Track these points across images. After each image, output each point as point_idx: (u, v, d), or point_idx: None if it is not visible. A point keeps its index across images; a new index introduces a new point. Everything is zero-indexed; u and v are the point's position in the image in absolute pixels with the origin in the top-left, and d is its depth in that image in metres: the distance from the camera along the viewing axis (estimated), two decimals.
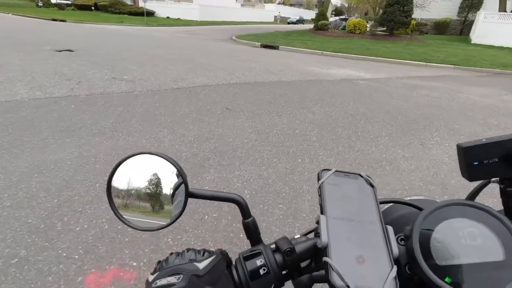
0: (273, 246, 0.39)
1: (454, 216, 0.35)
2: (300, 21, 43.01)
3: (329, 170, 0.41)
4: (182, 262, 0.35)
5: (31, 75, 5.19)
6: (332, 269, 0.31)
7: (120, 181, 0.38)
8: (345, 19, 23.03)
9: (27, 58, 6.41)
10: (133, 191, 0.38)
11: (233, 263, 0.38)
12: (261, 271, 0.35)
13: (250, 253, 0.37)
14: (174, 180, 0.39)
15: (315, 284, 0.45)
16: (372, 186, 0.40)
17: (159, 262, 0.36)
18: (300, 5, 69.47)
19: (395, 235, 0.37)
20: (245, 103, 4.59)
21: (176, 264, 0.35)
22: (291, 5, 64.12)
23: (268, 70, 7.20)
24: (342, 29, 20.34)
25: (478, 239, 0.33)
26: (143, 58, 7.57)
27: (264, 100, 4.81)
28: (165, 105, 4.24)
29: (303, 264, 0.39)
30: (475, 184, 0.48)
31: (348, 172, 0.41)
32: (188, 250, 0.37)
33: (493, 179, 0.42)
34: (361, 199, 0.38)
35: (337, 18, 29.77)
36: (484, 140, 0.39)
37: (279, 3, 56.78)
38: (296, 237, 0.41)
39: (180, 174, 0.38)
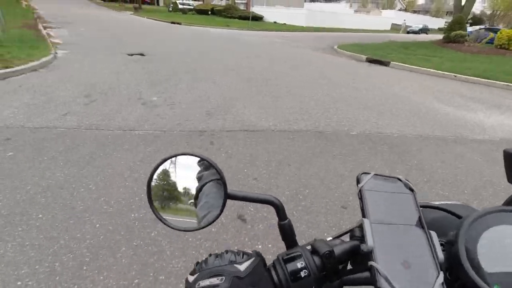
0: (309, 248, 0.38)
1: (499, 223, 0.35)
2: (424, 30, 36.80)
3: (368, 173, 0.40)
4: (222, 263, 0.35)
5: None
6: (380, 273, 0.31)
7: (159, 182, 0.39)
8: (493, 30, 17.73)
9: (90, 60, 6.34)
10: (173, 191, 0.39)
11: (270, 265, 0.38)
12: (302, 273, 0.35)
13: (290, 255, 0.37)
14: (209, 176, 0.39)
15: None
16: (411, 190, 0.40)
17: (197, 263, 0.36)
18: (426, 11, 60.19)
19: None
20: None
21: (216, 265, 0.35)
22: (414, 11, 56.03)
23: (363, 105, 4.75)
24: (488, 42, 15.54)
25: None
26: (216, 68, 6.65)
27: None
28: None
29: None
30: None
31: (387, 176, 0.41)
32: (227, 251, 0.37)
33: None
34: (401, 203, 0.39)
35: (477, 27, 23.56)
36: None
37: (400, 9, 50.24)
38: (328, 239, 0.41)
39: (220, 175, 0.38)
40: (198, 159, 0.39)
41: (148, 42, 9.98)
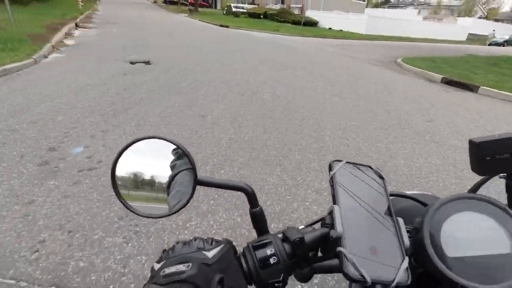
0: (281, 235, 0.38)
1: (462, 209, 0.36)
2: (510, 42, 31.24)
3: (340, 161, 0.41)
4: (190, 250, 0.35)
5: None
6: (347, 259, 0.32)
7: (125, 166, 0.37)
8: None
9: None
10: (138, 176, 0.37)
11: (240, 252, 0.38)
12: (272, 260, 0.35)
13: (260, 243, 0.37)
14: (182, 166, 0.38)
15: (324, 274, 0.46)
16: (382, 178, 0.41)
17: (164, 250, 0.36)
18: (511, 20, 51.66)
19: None
20: None
21: (183, 252, 0.34)
22: (496, 20, 48.36)
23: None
24: None
25: (485, 232, 0.34)
26: (224, 92, 5.22)
27: None
28: None
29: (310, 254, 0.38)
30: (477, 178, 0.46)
31: (359, 164, 0.41)
32: (195, 239, 0.36)
33: (500, 174, 0.43)
34: (372, 190, 0.39)
35: None
36: (497, 135, 0.39)
37: (480, 17, 43.66)
38: (300, 227, 0.40)
39: (189, 160, 0.37)
40: (170, 144, 0.37)
41: (173, 45, 9.04)
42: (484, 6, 54.25)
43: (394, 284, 0.31)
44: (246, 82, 5.45)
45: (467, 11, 48.32)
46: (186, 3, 47.14)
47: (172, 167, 0.38)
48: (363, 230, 0.35)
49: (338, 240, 0.34)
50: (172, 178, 0.37)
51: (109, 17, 15.30)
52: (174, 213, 0.37)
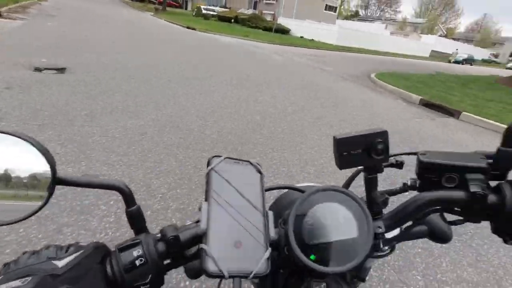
0: (159, 235, 0.37)
1: (324, 200, 0.39)
2: (469, 61, 33.05)
3: (220, 156, 0.41)
4: (37, 261, 0.31)
5: None
6: (207, 255, 0.32)
7: None
8: None
9: None
10: None
11: (107, 257, 0.35)
12: (138, 262, 0.34)
13: (127, 244, 0.35)
14: (39, 164, 0.33)
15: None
16: (260, 173, 0.42)
17: (5, 264, 0.31)
18: (467, 40, 55.68)
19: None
20: None
21: (29, 264, 0.30)
22: (454, 39, 51.76)
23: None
24: None
25: (340, 220, 0.38)
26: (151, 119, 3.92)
27: None
28: None
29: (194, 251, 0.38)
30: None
31: (238, 159, 0.42)
32: (47, 247, 0.33)
33: (360, 167, 0.46)
34: (247, 185, 0.40)
35: None
36: (353, 133, 0.42)
37: (440, 35, 46.32)
38: (188, 223, 0.40)
39: (46, 157, 0.32)
40: (20, 139, 0.32)
41: (117, 46, 7.55)
42: (443, 25, 57.97)
43: (251, 275, 0.33)
44: (190, 109, 3.99)
45: (429, 29, 51.15)
46: (155, 1, 44.89)
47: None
48: (230, 226, 0.35)
49: (203, 237, 0.34)
50: (40, 174, 0.33)
51: (54, 9, 13.22)
52: (24, 219, 0.33)
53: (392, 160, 0.49)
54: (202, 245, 0.33)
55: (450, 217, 0.45)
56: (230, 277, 0.32)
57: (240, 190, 0.39)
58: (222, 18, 28.21)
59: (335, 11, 38.54)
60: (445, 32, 54.08)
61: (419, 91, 7.70)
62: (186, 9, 47.90)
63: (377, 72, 10.39)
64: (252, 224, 0.36)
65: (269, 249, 0.35)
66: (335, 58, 14.75)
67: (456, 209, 0.41)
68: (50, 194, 0.33)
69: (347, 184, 0.57)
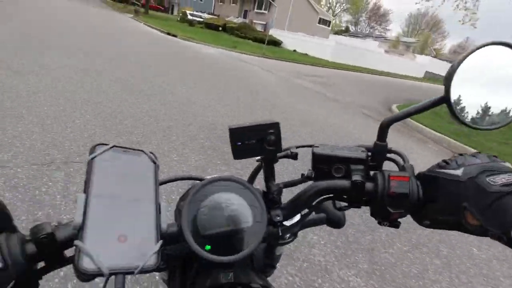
0: (28, 235, 0.33)
1: (220, 190, 0.39)
2: None
3: (106, 145, 0.37)
4: None
5: None
6: (82, 252, 0.28)
7: None
8: None
9: None
10: None
11: None
12: None
13: None
14: None
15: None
16: (154, 162, 0.39)
17: None
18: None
19: None
20: None
21: None
22: (441, 60, 51.76)
23: None
24: None
25: (235, 210, 0.38)
26: None
27: None
28: None
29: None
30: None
31: (129, 148, 0.39)
32: None
33: (257, 158, 0.46)
34: (138, 176, 0.37)
35: None
36: (247, 123, 0.42)
37: (434, 56, 45.88)
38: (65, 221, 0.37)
39: None
40: None
41: (77, 54, 4.88)
42: (431, 46, 58.27)
43: (137, 271, 0.30)
44: None
45: (421, 49, 50.93)
46: (138, 3, 42.13)
47: None
48: (112, 219, 0.32)
49: (78, 233, 0.30)
50: None
51: (24, 8, 10.35)
52: None
53: (287, 151, 0.49)
54: (77, 242, 0.29)
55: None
56: (111, 274, 0.28)
57: (128, 181, 0.36)
58: (209, 26, 25.78)
59: (328, 25, 37.12)
60: (435, 53, 54.17)
61: (472, 142, 5.40)
62: (171, 13, 45.38)
63: (400, 104, 8.15)
64: (140, 216, 0.34)
65: (160, 241, 0.33)
66: (337, 78, 12.54)
67: (344, 196, 0.44)
68: None
69: (252, 177, 0.55)
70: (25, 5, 11.49)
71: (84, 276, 0.28)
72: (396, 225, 0.42)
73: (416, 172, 0.43)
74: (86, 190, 0.33)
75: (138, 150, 0.39)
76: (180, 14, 30.43)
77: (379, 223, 0.43)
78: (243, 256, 0.36)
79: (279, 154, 0.46)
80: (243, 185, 0.40)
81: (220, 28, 25.77)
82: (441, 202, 0.38)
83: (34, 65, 4.26)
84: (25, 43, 5.46)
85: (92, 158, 0.35)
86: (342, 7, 66.42)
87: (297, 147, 0.52)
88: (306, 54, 23.70)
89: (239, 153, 0.43)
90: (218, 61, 9.72)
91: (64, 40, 6.66)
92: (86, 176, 0.34)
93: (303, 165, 0.58)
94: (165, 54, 8.54)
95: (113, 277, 0.29)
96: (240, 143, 0.42)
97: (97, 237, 0.30)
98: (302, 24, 33.03)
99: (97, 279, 0.29)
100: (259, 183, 0.48)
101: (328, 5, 62.36)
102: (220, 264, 0.38)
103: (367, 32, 66.69)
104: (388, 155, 0.45)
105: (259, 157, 0.46)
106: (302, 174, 0.47)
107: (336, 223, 0.54)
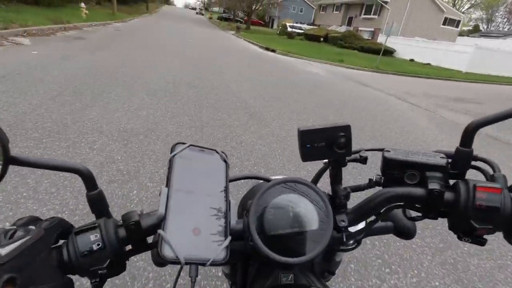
0: (121, 220, 0.36)
1: (287, 192, 0.39)
2: None
3: (184, 143, 0.39)
4: None
5: None
6: (164, 240, 0.31)
7: None
8: None
9: None
10: None
11: (63, 241, 0.34)
12: (95, 246, 0.32)
13: (84, 228, 0.33)
14: None
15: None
16: (225, 162, 0.41)
17: None
18: None
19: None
20: None
21: None
22: None
23: None
24: None
25: (302, 212, 0.38)
26: None
27: None
28: None
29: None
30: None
31: (204, 147, 0.41)
32: None
33: (324, 160, 0.46)
34: (211, 174, 0.39)
35: None
36: (318, 126, 0.41)
37: None
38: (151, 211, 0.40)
39: None
40: None
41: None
42: None
43: (209, 263, 0.32)
44: None
45: None
46: (241, 20, 44.20)
47: None
48: (190, 212, 0.35)
49: (160, 222, 0.33)
50: None
51: (124, 30, 11.20)
52: None
53: (356, 155, 0.48)
54: (160, 231, 0.32)
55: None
56: (186, 263, 0.31)
57: (202, 178, 0.38)
58: (309, 37, 24.07)
59: (457, 26, 30.04)
60: None
61: None
62: (271, 27, 45.92)
63: None
64: (213, 212, 0.36)
65: (229, 237, 0.35)
66: (499, 103, 8.64)
67: (417, 205, 0.41)
68: (2, 174, 0.30)
69: (316, 179, 0.56)
70: (140, 28, 12.12)
71: (163, 262, 0.31)
72: (480, 242, 0.38)
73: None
74: (168, 185, 0.35)
75: (211, 149, 0.41)
76: (280, 27, 29.82)
77: (459, 237, 0.39)
78: (308, 259, 0.36)
79: (348, 158, 0.45)
80: (310, 187, 0.40)
81: (322, 39, 23.69)
82: None
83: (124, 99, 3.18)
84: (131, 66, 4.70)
85: (173, 156, 0.37)
86: (471, 1, 54.71)
87: (367, 150, 0.49)
88: (429, 64, 19.14)
89: (307, 155, 0.42)
90: (327, 85, 7.64)
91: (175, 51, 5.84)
92: (167, 171, 0.36)
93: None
94: (264, 75, 7.02)
95: (187, 266, 0.31)
96: (309, 145, 0.41)
97: (176, 228, 0.33)
98: (422, 27, 27.63)
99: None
100: (321, 186, 0.46)
101: (452, 1, 52.18)
102: (281, 265, 0.37)
103: (506, 29, 52.73)
104: (474, 163, 0.40)
105: (326, 160, 0.45)
106: (370, 179, 0.44)
107: (405, 233, 0.50)
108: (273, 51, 14.54)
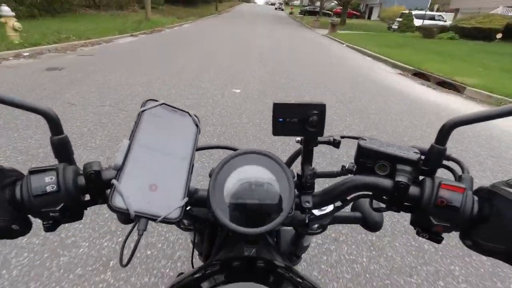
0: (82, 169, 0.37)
1: (252, 163, 0.39)
2: None
3: (156, 101, 0.39)
4: None
5: None
6: (116, 190, 0.31)
7: None
8: None
9: None
10: None
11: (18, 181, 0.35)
12: (48, 188, 0.32)
13: (40, 169, 0.34)
14: None
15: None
16: (197, 126, 0.41)
17: None
18: None
19: None
20: None
21: None
22: None
23: None
24: None
25: (264, 185, 0.38)
26: None
27: None
28: None
29: None
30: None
31: (177, 108, 0.41)
32: None
33: (297, 138, 0.45)
34: (179, 135, 0.39)
35: None
36: (292, 101, 0.40)
37: None
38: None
39: None
40: None
41: None
42: None
43: (159, 219, 0.32)
44: None
45: None
46: (329, 12, 34.57)
47: None
48: (149, 168, 0.34)
49: (116, 173, 0.33)
50: None
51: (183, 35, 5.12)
52: None
53: (330, 138, 0.47)
54: (114, 181, 0.32)
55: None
56: (136, 216, 0.31)
57: (169, 137, 0.38)
58: (467, 33, 13.62)
59: None
60: None
61: None
62: (369, 18, 35.04)
63: None
64: (174, 172, 0.35)
65: (186, 198, 0.35)
66: None
67: (384, 197, 0.41)
68: None
69: (291, 159, 0.55)
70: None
71: (113, 212, 0.31)
72: (437, 239, 0.38)
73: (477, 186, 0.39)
74: (130, 138, 0.35)
75: (184, 111, 0.41)
76: (394, 21, 19.67)
77: (418, 233, 0.39)
78: (264, 231, 0.36)
79: (320, 139, 0.45)
80: (277, 162, 0.39)
81: (496, 37, 12.99)
82: (494, 224, 0.34)
83: None
84: None
85: (143, 111, 0.37)
86: None
87: (343, 137, 0.49)
88: None
89: (279, 129, 0.41)
90: None
91: None
92: (133, 125, 0.36)
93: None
94: None
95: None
96: (281, 120, 0.40)
97: (131, 181, 0.33)
98: None
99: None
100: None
101: None
102: (243, 236, 0.37)
103: None
104: (446, 162, 0.41)
105: (299, 139, 0.45)
106: (343, 166, 0.45)
107: (372, 225, 0.51)
108: (424, 75, 5.79)
